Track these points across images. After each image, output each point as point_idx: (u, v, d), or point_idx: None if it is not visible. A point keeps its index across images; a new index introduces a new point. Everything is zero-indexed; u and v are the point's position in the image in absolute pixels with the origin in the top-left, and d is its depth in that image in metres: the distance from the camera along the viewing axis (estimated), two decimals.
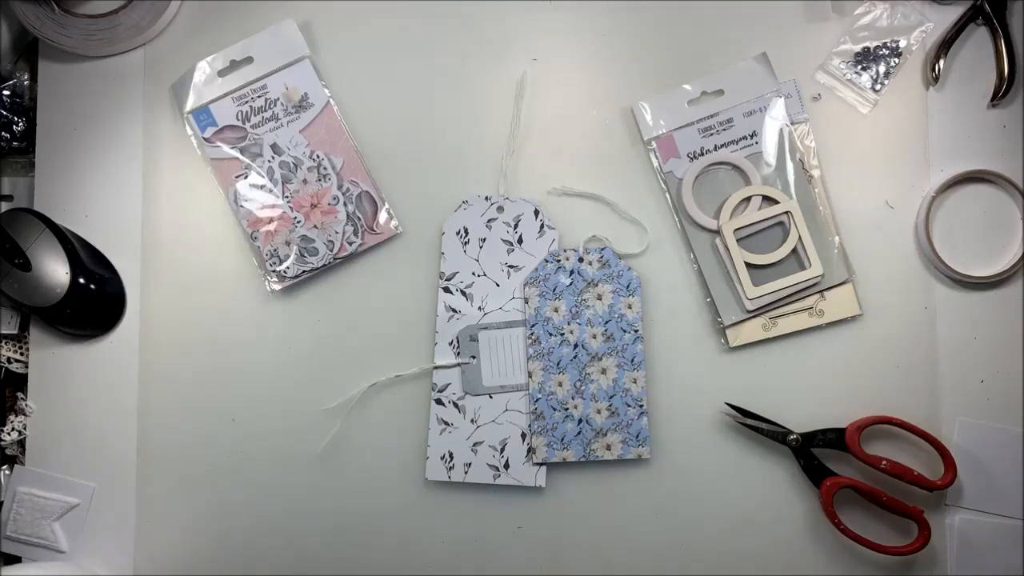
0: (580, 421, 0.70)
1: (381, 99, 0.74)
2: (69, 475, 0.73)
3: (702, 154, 0.72)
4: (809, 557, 0.70)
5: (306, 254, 0.72)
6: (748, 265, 0.70)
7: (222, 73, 0.74)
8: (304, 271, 0.72)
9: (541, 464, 0.70)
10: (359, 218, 0.72)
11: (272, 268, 0.72)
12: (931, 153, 0.72)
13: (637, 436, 0.69)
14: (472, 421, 0.71)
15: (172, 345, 0.73)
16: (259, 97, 0.73)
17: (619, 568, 0.70)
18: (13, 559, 0.73)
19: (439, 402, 0.71)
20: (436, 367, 0.71)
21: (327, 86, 0.74)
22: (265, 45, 0.74)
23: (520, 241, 0.72)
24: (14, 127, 0.76)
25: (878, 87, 0.72)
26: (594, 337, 0.70)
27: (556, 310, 0.71)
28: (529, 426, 0.70)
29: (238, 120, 0.73)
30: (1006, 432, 0.69)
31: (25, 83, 0.77)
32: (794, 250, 0.70)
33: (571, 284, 0.71)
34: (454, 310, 0.71)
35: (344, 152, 0.73)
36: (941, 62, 0.71)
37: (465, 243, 0.72)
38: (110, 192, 0.75)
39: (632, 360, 0.70)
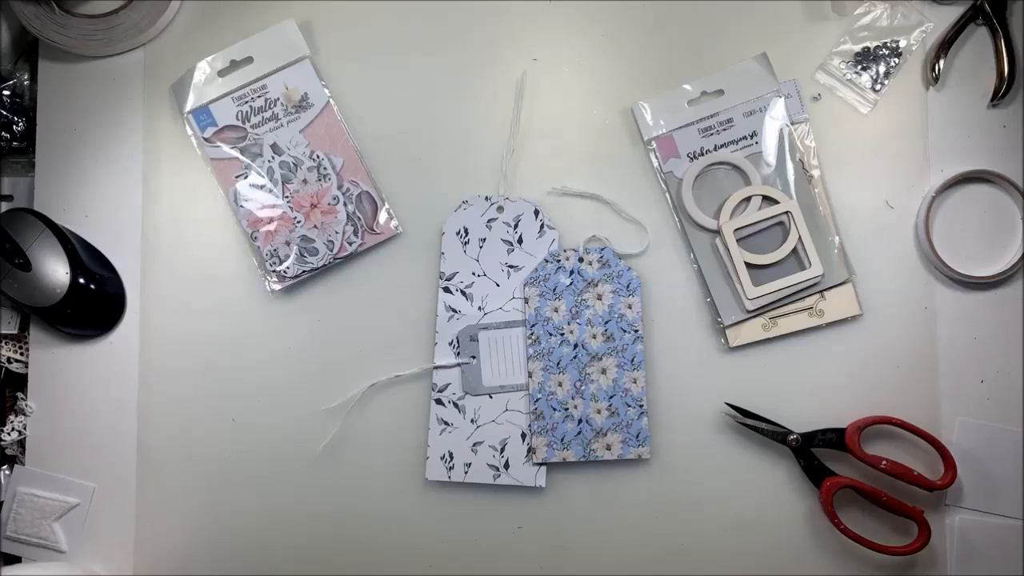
0: (580, 421, 0.70)
1: (381, 99, 0.74)
2: (69, 475, 0.73)
3: (702, 154, 0.72)
4: (809, 557, 0.70)
5: (306, 254, 0.72)
6: (748, 265, 0.70)
7: (222, 73, 0.74)
8: (304, 271, 0.72)
9: (541, 464, 0.70)
10: (359, 218, 0.72)
11: (272, 268, 0.72)
12: (931, 153, 0.72)
13: (637, 436, 0.69)
14: (472, 421, 0.71)
15: (172, 345, 0.73)
16: (259, 97, 0.73)
17: (619, 568, 0.70)
18: (13, 559, 0.73)
19: (439, 402, 0.71)
20: (436, 367, 0.71)
21: (327, 86, 0.74)
22: (265, 45, 0.74)
23: (520, 241, 0.72)
24: (14, 127, 0.76)
25: (878, 87, 0.72)
26: (594, 337, 0.70)
27: (556, 310, 0.71)
28: (529, 426, 0.70)
29: (238, 120, 0.73)
30: (1006, 432, 0.69)
31: (25, 83, 0.77)
32: (794, 250, 0.70)
33: (571, 284, 0.71)
34: (454, 310, 0.71)
35: (344, 152, 0.73)
36: (941, 62, 0.71)
37: (465, 243, 0.72)
38: (110, 192, 0.75)
39: (632, 360, 0.70)
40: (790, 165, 0.71)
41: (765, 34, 0.73)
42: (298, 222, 0.72)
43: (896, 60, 0.72)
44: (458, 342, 0.71)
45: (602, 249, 0.71)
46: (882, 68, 0.72)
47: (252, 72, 0.74)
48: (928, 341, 0.70)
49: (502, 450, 0.70)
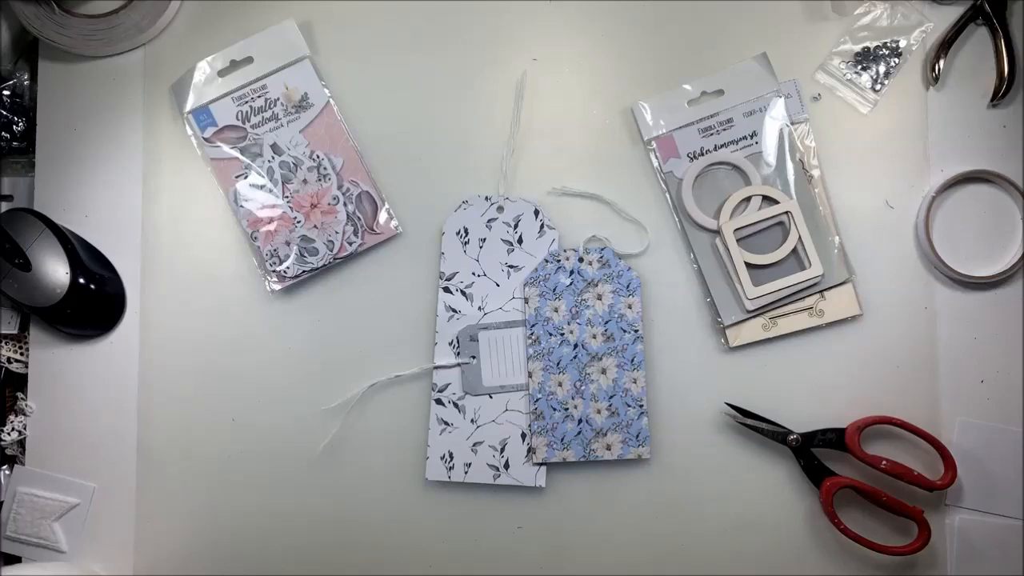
0: (580, 421, 0.70)
1: (381, 99, 0.74)
2: (69, 475, 0.73)
3: (702, 154, 0.72)
4: (809, 557, 0.70)
5: (306, 254, 0.72)
6: (748, 265, 0.70)
7: (222, 73, 0.74)
8: (304, 271, 0.72)
9: (541, 464, 0.70)
10: (359, 218, 0.73)
11: (272, 268, 0.72)
12: (931, 153, 0.72)
13: (637, 436, 0.69)
14: (472, 421, 0.71)
15: (172, 345, 0.73)
16: (259, 97, 0.73)
17: (619, 568, 0.70)
18: (13, 559, 0.73)
19: (439, 402, 0.71)
20: (436, 367, 0.71)
21: (327, 86, 0.74)
22: (265, 45, 0.74)
23: (520, 241, 0.72)
24: (14, 127, 0.76)
25: (878, 87, 0.72)
26: (594, 337, 0.70)
27: (556, 310, 0.71)
28: (529, 426, 0.70)
29: (238, 120, 0.73)
30: (1006, 432, 0.69)
31: (25, 83, 0.77)
32: (794, 250, 0.70)
33: (571, 284, 0.71)
34: (454, 310, 0.71)
35: (344, 152, 0.73)
36: (941, 62, 0.71)
37: (465, 243, 0.72)
38: (110, 192, 0.75)
39: (632, 360, 0.70)
40: (790, 165, 0.71)
41: (765, 34, 0.73)
42: (298, 222, 0.72)
43: (896, 60, 0.72)
44: (458, 342, 0.71)
45: (602, 249, 0.71)
46: (882, 68, 0.72)
47: (252, 72, 0.74)
48: (928, 341, 0.70)
49: (502, 450, 0.70)
